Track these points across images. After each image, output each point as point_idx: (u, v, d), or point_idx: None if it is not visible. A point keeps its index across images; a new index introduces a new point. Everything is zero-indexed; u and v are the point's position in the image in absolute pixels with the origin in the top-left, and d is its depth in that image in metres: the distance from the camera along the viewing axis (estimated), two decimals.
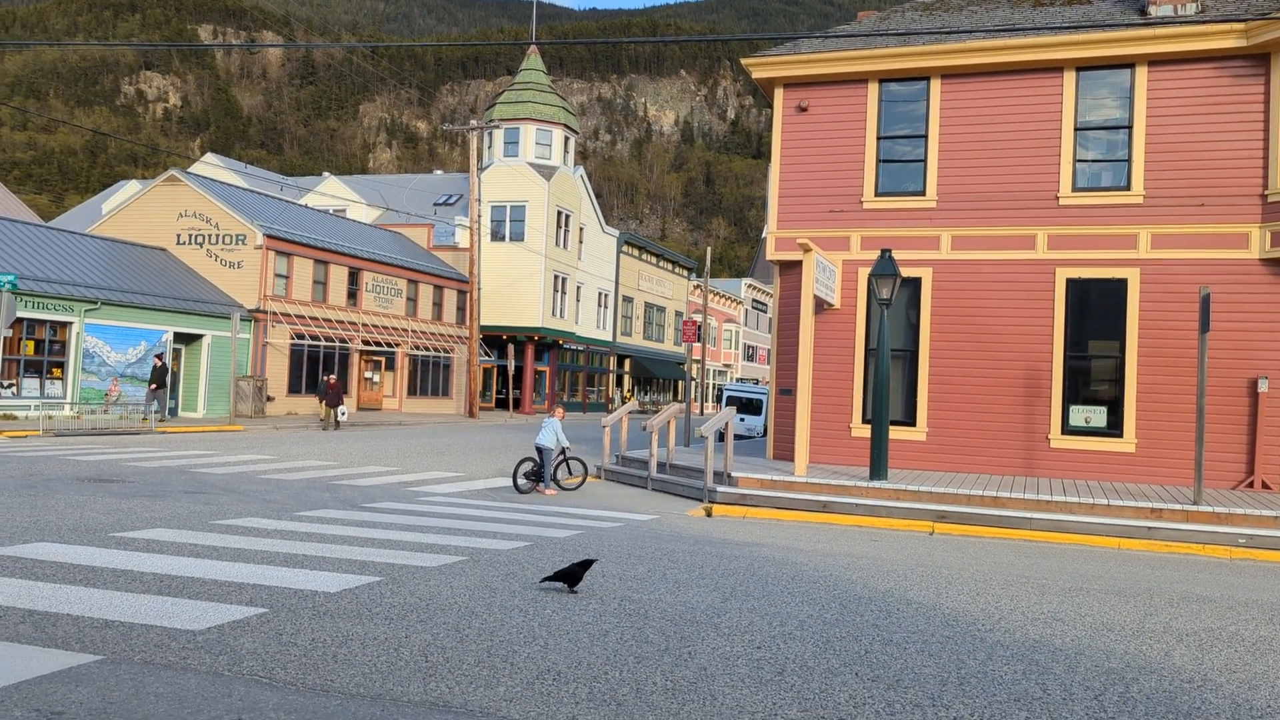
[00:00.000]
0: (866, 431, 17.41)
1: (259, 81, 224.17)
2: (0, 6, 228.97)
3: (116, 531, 9.84)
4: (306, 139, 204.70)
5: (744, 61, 18.84)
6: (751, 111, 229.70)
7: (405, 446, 24.12)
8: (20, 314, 25.43)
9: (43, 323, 27.02)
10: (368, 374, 40.84)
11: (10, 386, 26.02)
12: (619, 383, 61.62)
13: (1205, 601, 8.81)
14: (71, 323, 27.69)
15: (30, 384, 26.75)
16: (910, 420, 17.41)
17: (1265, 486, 15.39)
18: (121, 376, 29.27)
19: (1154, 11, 16.75)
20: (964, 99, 17.46)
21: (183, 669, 5.49)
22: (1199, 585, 9.73)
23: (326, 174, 60.15)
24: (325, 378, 30.42)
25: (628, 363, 62.32)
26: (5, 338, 23.86)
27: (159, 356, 29.00)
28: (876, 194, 17.88)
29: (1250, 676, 6.31)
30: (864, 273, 17.74)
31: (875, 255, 17.38)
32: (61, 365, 27.56)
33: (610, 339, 58.52)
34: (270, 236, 34.93)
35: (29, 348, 26.75)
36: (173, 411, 31.44)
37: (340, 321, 38.43)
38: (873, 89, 17.91)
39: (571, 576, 7.88)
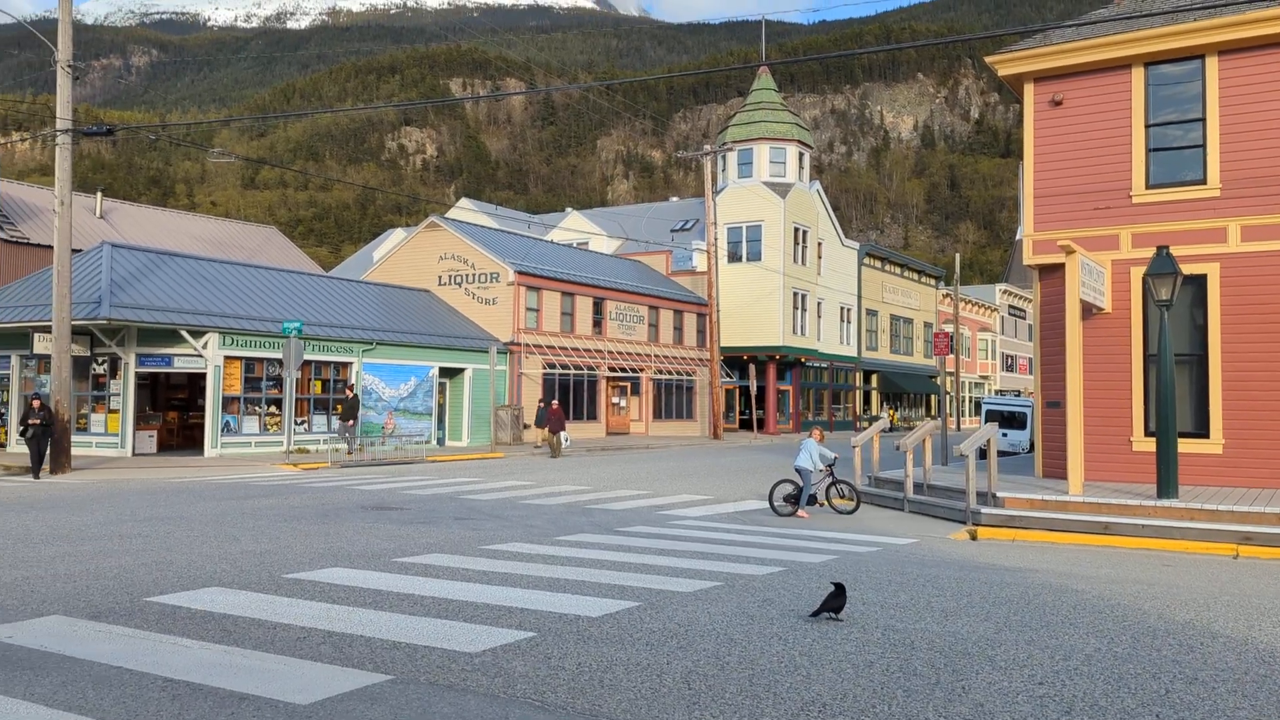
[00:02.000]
0: (1149, 445, 15.93)
1: (505, 126, 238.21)
2: (283, 82, 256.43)
3: (397, 557, 10.54)
4: (549, 176, 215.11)
5: (988, 59, 17.93)
6: (997, 109, 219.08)
7: (654, 470, 24.55)
8: (307, 356, 28.07)
9: (327, 364, 29.70)
10: (614, 399, 42.05)
11: (303, 423, 28.74)
12: (866, 399, 60.11)
13: None
14: (351, 363, 30.27)
15: (319, 420, 29.44)
16: (1201, 431, 15.78)
17: None
18: (395, 410, 31.65)
19: None
20: (1248, 75, 15.75)
21: (463, 690, 5.74)
22: None
23: (569, 209, 62.81)
24: (545, 403, 31.05)
25: (875, 378, 60.72)
26: (296, 378, 26.37)
27: (349, 387, 29.13)
28: (1147, 186, 16.44)
29: None
30: (1137, 273, 16.33)
31: (1149, 253, 15.96)
32: (344, 402, 30.17)
33: (855, 354, 57.27)
34: (520, 273, 36.79)
35: (317, 387, 29.46)
36: (440, 440, 33.65)
37: (587, 350, 39.83)
38: (1137, 74, 16.53)
39: (838, 606, 7.66)
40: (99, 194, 38.54)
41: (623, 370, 41.98)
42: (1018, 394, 56.51)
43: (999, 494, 14.37)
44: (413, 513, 14.77)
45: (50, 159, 31.29)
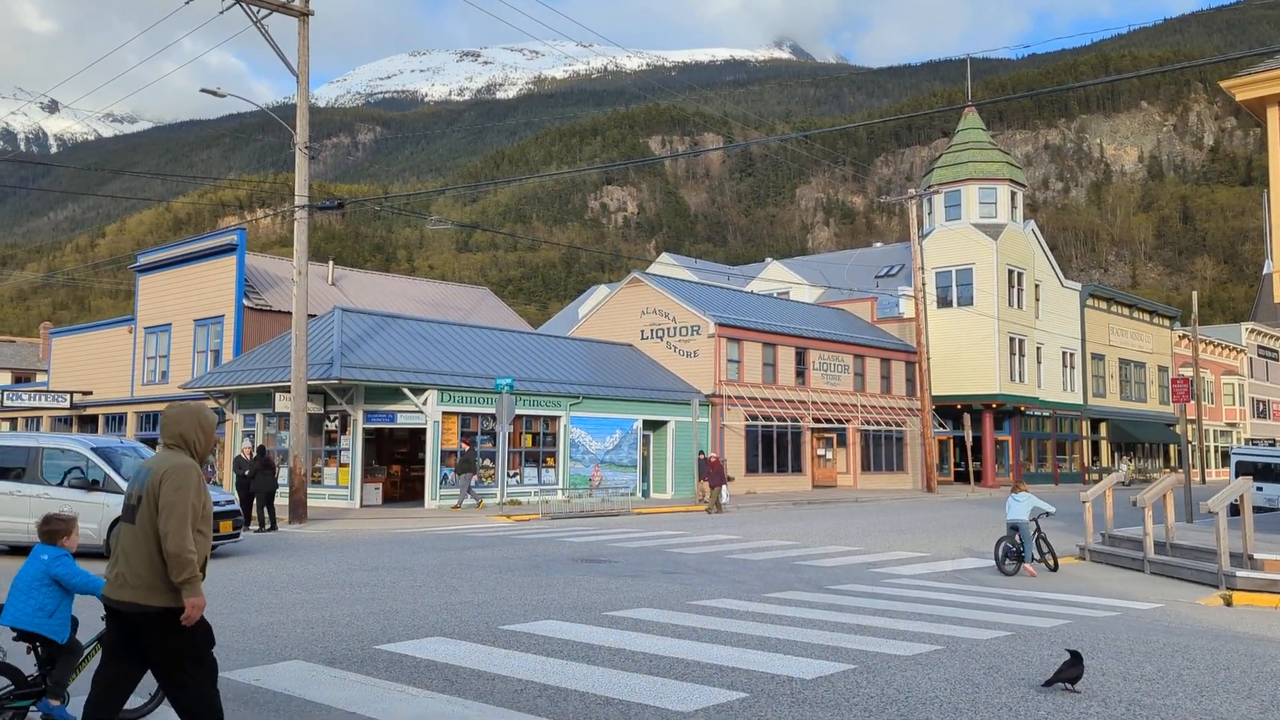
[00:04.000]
0: None
1: (703, 180, 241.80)
2: (493, 149, 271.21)
3: (607, 610, 10.61)
4: (748, 228, 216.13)
5: (1224, 83, 16.61)
6: (1235, 134, 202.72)
7: (864, 524, 23.80)
8: (519, 411, 29.13)
9: (536, 417, 30.71)
10: (820, 451, 41.25)
11: (515, 475, 29.76)
12: (1094, 450, 56.28)
13: None
14: (559, 416, 31.18)
15: (530, 472, 30.42)
16: None
17: None
18: (601, 463, 32.28)
19: None
20: None
21: None
22: None
23: (768, 259, 62.71)
24: (705, 456, 29.75)
25: (1103, 427, 56.81)
26: (508, 433, 27.37)
27: (466, 440, 28.20)
28: None
29: None
30: None
31: None
32: (553, 454, 31.05)
33: (1080, 402, 53.85)
34: (721, 324, 36.93)
35: (527, 441, 30.49)
36: (644, 493, 34.00)
37: (790, 401, 39.36)
38: None
39: (1074, 676, 7.07)
40: (330, 262, 41.78)
41: (828, 421, 41.17)
42: (1273, 443, 51.36)
43: (1256, 555, 12.98)
44: (620, 565, 14.90)
45: (288, 232, 34.32)
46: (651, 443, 34.98)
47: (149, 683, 6.28)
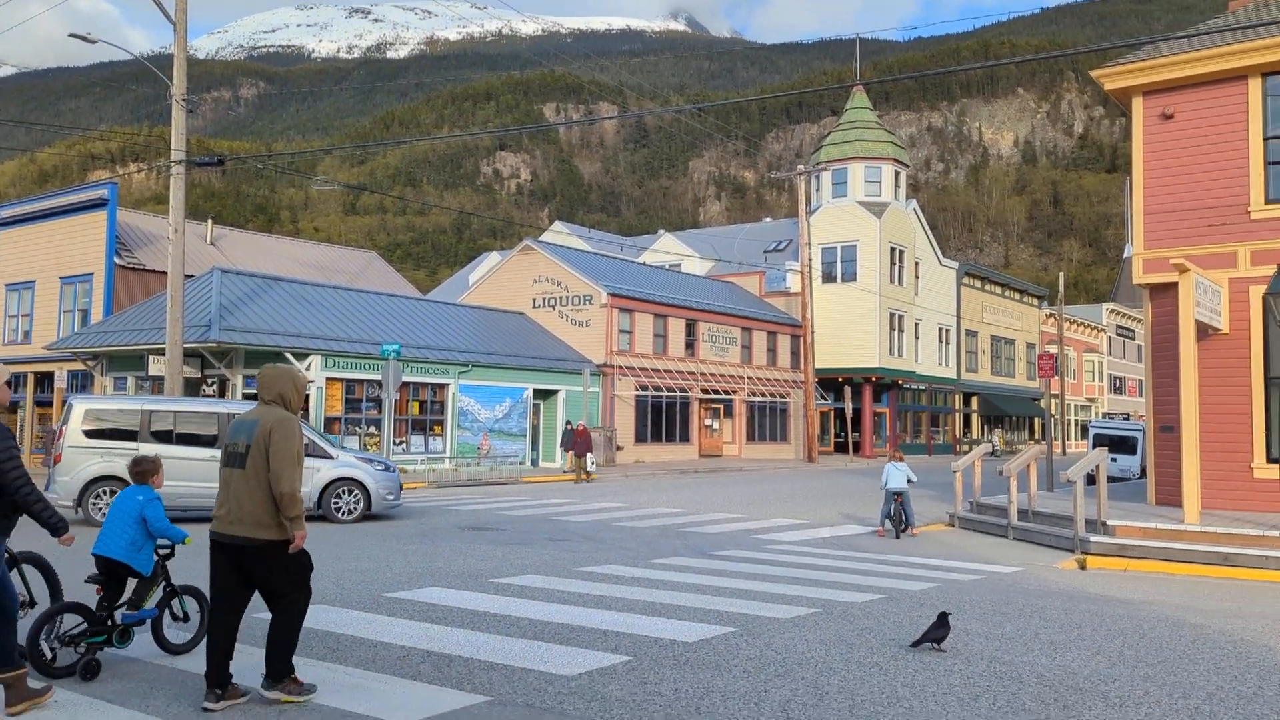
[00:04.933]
0: (1272, 472, 15.16)
1: (597, 150, 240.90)
2: (383, 110, 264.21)
3: (494, 578, 10.65)
4: (641, 199, 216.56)
5: (1094, 73, 17.41)
6: (1103, 123, 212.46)
7: (748, 493, 24.35)
8: (405, 378, 28.70)
9: (424, 385, 30.31)
10: (707, 421, 41.90)
11: (401, 444, 29.37)
12: (966, 422, 58.69)
13: None
14: (448, 384, 30.85)
15: (416, 440, 30.05)
16: None
17: None
18: (490, 432, 32.11)
19: None
20: None
21: (560, 714, 5.75)
22: None
23: (661, 231, 63.10)
24: (572, 425, 29.82)
25: (975, 400, 59.26)
26: (395, 400, 26.96)
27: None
28: (1267, 201, 15.71)
29: None
30: (1256, 291, 15.60)
31: (1269, 271, 15.27)
32: (441, 423, 30.73)
33: (954, 376, 56.01)
34: (613, 295, 37.04)
35: (414, 408, 30.09)
36: (534, 462, 33.99)
37: (679, 372, 39.83)
38: (1254, 85, 15.84)
39: (940, 636, 7.47)
40: (209, 221, 40.19)
41: (716, 392, 41.84)
42: (1127, 417, 54.48)
43: (1109, 522, 13.83)
44: (508, 533, 14.92)
45: (165, 188, 32.74)
46: (542, 412, 34.95)
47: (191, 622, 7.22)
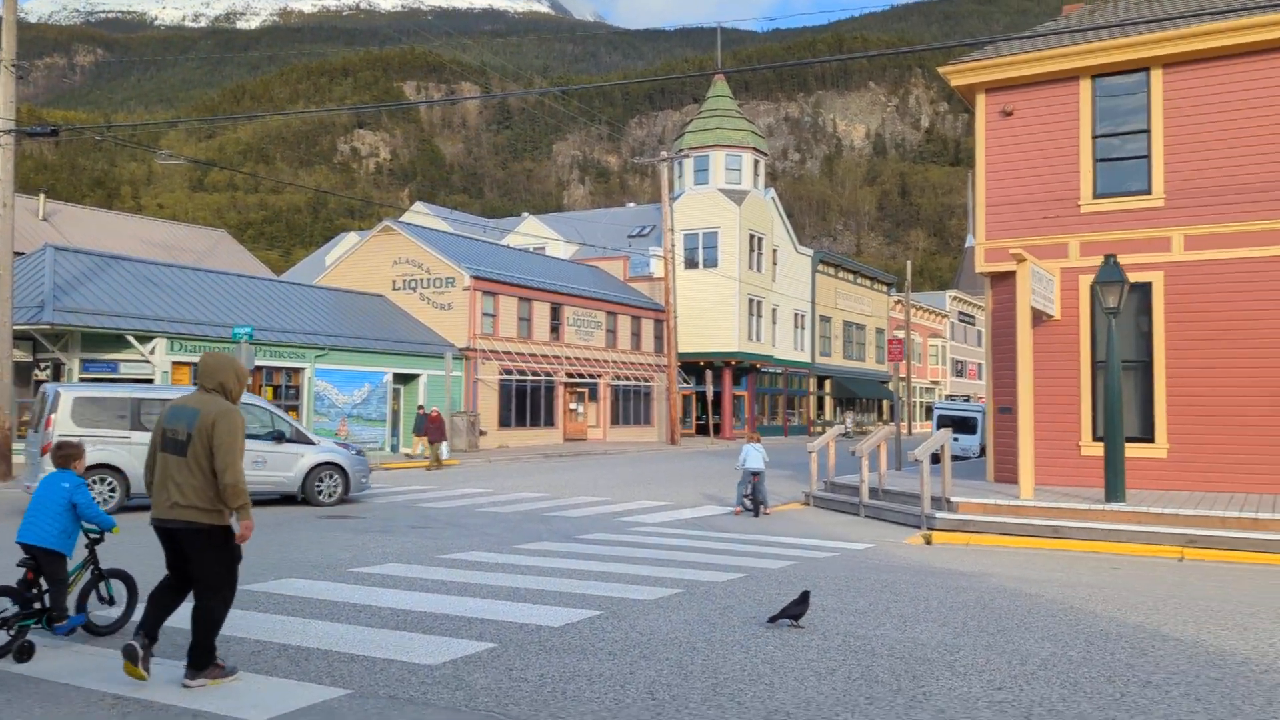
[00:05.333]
0: (1097, 450, 16.25)
1: (459, 130, 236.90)
2: (233, 83, 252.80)
3: (354, 567, 10.41)
4: (505, 181, 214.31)
5: (941, 70, 18.17)
6: (947, 118, 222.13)
7: (612, 476, 24.53)
8: (259, 362, 27.64)
9: (279, 369, 29.27)
10: (572, 405, 41.96)
11: None
12: (819, 405, 60.60)
13: None
14: (303, 369, 29.87)
15: None
16: (1147, 436, 16.12)
17: None
18: (348, 417, 31.29)
19: None
20: (1190, 87, 16.15)
21: (424, 704, 5.68)
22: None
23: (525, 214, 62.62)
24: (425, 410, 29.40)
25: (828, 383, 61.24)
26: (247, 385, 25.95)
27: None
28: (1095, 196, 16.78)
29: None
30: (1085, 280, 16.65)
31: (1097, 261, 16.30)
32: (296, 408, 29.74)
33: (809, 360, 57.72)
34: (477, 278, 36.59)
35: (268, 394, 29.02)
36: (394, 448, 33.32)
37: (544, 355, 39.71)
38: (1085, 86, 16.86)
39: (798, 613, 7.72)
40: (42, 196, 37.69)
41: (580, 376, 41.90)
42: (968, 399, 57.30)
43: (953, 499, 14.55)
44: (368, 521, 14.60)
45: None
46: (402, 396, 34.26)
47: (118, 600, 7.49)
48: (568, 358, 41.17)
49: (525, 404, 38.84)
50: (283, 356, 29.12)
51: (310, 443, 17.13)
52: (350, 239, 58.48)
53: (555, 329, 41.00)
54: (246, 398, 16.81)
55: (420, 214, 58.74)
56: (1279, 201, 15.41)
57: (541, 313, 40.17)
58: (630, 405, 45.65)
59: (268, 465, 16.44)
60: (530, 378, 38.93)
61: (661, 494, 19.83)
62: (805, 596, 7.77)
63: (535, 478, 23.75)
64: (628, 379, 45.01)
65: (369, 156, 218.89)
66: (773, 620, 7.80)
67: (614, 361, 44.19)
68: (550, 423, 40.34)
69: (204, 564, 5.93)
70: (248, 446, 15.96)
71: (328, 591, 8.97)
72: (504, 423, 37.69)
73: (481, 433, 35.39)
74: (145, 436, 15.16)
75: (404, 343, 33.84)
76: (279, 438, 16.71)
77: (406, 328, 35.52)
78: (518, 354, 38.20)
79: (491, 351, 36.93)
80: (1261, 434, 15.33)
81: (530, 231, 55.30)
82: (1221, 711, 5.68)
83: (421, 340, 34.86)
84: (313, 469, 16.89)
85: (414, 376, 34.21)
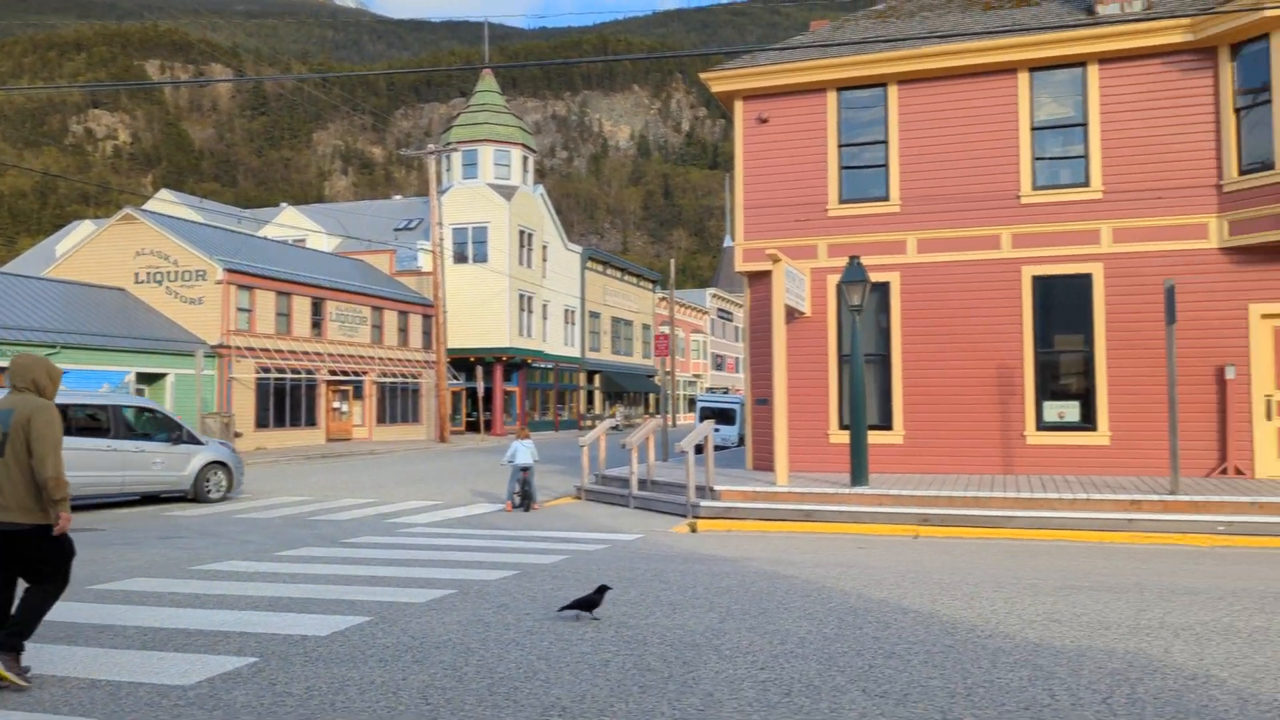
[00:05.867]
0: (844, 437, 17.44)
1: (210, 114, 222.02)
2: None
3: (92, 584, 9.59)
4: (261, 170, 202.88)
5: (702, 76, 18.89)
6: (706, 123, 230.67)
7: (379, 476, 23.86)
8: None
9: (3, 370, 26.41)
10: (336, 404, 40.42)
11: None
12: (589, 399, 61.46)
13: (1195, 593, 8.87)
14: None
15: None
16: (887, 424, 17.47)
17: (1239, 472, 15.60)
18: None
19: (1101, 10, 17.00)
20: (922, 103, 17.62)
21: None
22: (1185, 576, 9.81)
23: (284, 204, 59.68)
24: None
25: (597, 378, 62.20)
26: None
27: None
28: (841, 201, 17.98)
29: (1252, 669, 6.34)
30: (833, 280, 17.81)
31: (843, 262, 17.46)
32: None
33: (579, 355, 58.39)
34: (230, 271, 34.51)
35: None
36: None
37: (305, 353, 38.02)
38: (831, 98, 18.03)
39: (590, 604, 7.87)
40: None
41: (344, 374, 40.41)
42: (726, 391, 59.86)
43: (716, 487, 15.19)
44: (109, 533, 13.49)
45: None
46: (148, 397, 31.75)
47: None
48: (331, 354, 39.61)
49: (285, 404, 37.04)
50: (6, 355, 26.33)
51: (200, 443, 17.97)
52: (85, 228, 53.64)
53: (317, 325, 39.34)
54: (145, 402, 18.22)
55: (167, 202, 54.66)
56: (985, 210, 17.10)
57: (302, 308, 38.43)
58: (398, 403, 44.52)
59: (164, 465, 17.18)
60: (291, 376, 37.16)
61: (431, 493, 19.49)
62: (601, 590, 7.94)
63: (297, 480, 22.72)
64: (395, 376, 43.87)
65: (106, 138, 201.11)
66: (563, 610, 7.94)
67: (380, 358, 42.94)
68: (312, 423, 38.68)
69: (36, 564, 6.09)
70: (149, 448, 17.02)
71: (61, 613, 8.22)
72: (262, 424, 35.79)
73: (237, 434, 33.42)
74: (134, 444, 16.61)
75: (148, 340, 31.42)
76: (175, 439, 17.45)
77: (151, 324, 32.99)
78: (276, 351, 36.36)
79: (247, 349, 34.95)
80: (979, 420, 16.98)
81: (290, 223, 52.75)
82: (955, 675, 6.26)
83: (168, 337, 32.49)
84: (204, 467, 17.76)
85: (160, 376, 31.84)
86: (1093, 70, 16.68)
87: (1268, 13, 14.87)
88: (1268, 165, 15.30)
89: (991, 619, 7.87)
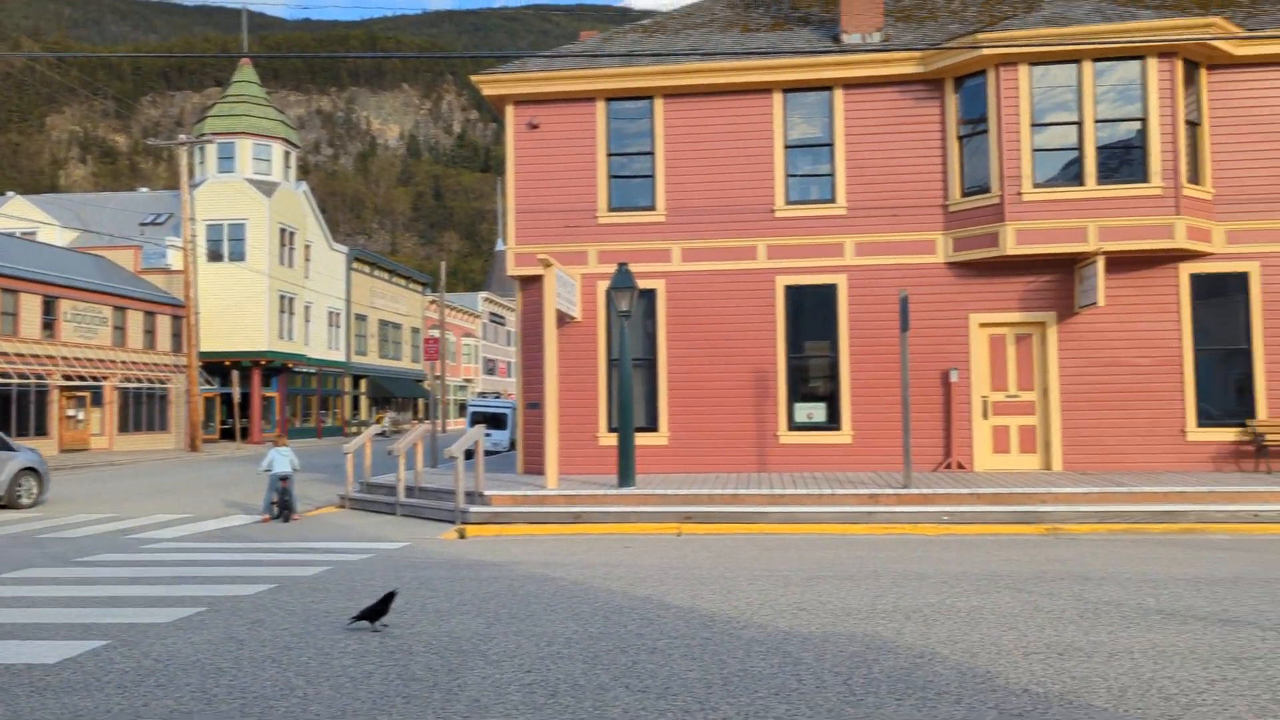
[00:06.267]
0: (613, 440, 17.84)
1: None
2: None
3: None
4: None
5: (474, 79, 18.79)
6: (479, 125, 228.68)
7: (120, 489, 22.11)
8: None
9: None
10: (70, 412, 37.05)
11: None
12: (355, 404, 59.46)
13: (924, 578, 9.74)
14: None
15: None
16: (653, 426, 18.02)
17: (960, 466, 17.21)
18: None
19: (845, 39, 18.31)
20: (686, 118, 18.31)
21: None
22: (916, 563, 10.74)
23: (10, 193, 54.05)
24: None
25: (364, 383, 60.28)
26: None
27: None
28: (610, 209, 18.38)
29: (970, 646, 7.05)
30: (603, 286, 18.19)
31: (612, 269, 17.87)
32: None
33: (344, 359, 56.38)
34: None
35: None
36: None
37: (35, 356, 34.64)
38: (601, 107, 18.41)
39: (374, 613, 7.72)
40: None
41: (82, 379, 37.09)
42: (498, 395, 59.70)
43: (486, 492, 15.14)
44: None
45: None
46: None
47: None
48: (65, 358, 36.28)
49: (10, 412, 33.58)
50: None
51: (13, 449, 18.15)
52: None
53: (49, 325, 35.93)
54: None
55: None
56: (743, 222, 18.03)
57: (31, 306, 34.97)
58: (143, 410, 41.34)
59: None
60: (18, 381, 33.72)
61: (180, 506, 18.28)
62: (388, 598, 7.77)
63: None
64: (140, 381, 40.72)
65: None
66: (354, 622, 7.81)
67: (123, 362, 39.74)
68: (43, 432, 35.27)
69: None
70: None
71: None
72: None
73: None
74: None
75: None
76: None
77: None
78: (1, 354, 32.91)
79: None
80: (738, 421, 17.86)
81: (17, 214, 47.85)
82: (713, 666, 6.58)
83: None
84: (18, 474, 17.88)
85: None
86: (838, 95, 17.93)
87: (985, 51, 16.53)
88: (985, 189, 16.99)
89: (746, 610, 8.31)
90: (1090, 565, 10.40)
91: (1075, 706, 5.60)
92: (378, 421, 58.19)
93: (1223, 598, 8.60)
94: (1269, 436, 16.28)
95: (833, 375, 17.77)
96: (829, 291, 17.84)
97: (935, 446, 17.40)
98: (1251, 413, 16.67)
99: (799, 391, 17.84)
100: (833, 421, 17.69)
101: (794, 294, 17.91)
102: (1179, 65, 16.37)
